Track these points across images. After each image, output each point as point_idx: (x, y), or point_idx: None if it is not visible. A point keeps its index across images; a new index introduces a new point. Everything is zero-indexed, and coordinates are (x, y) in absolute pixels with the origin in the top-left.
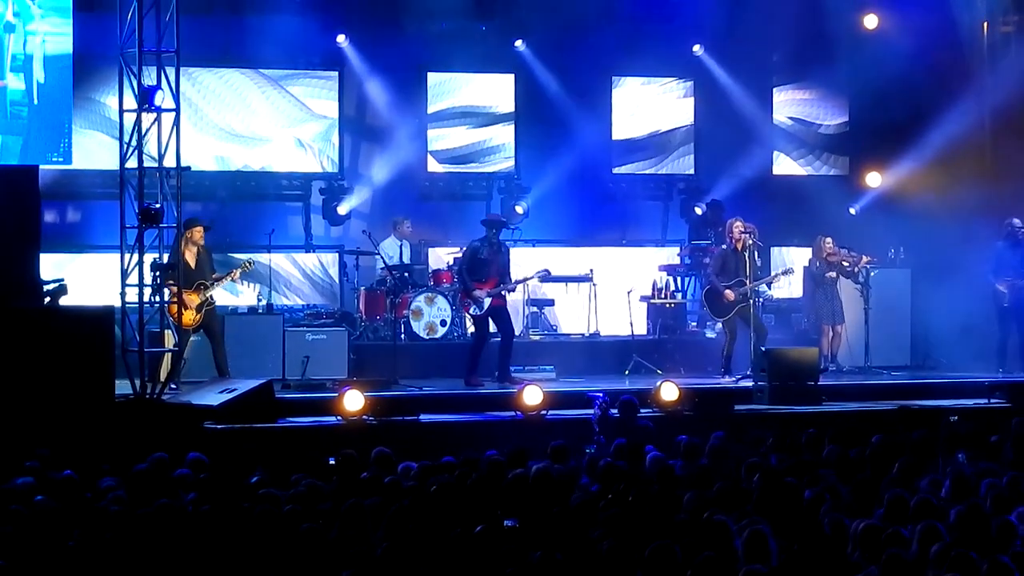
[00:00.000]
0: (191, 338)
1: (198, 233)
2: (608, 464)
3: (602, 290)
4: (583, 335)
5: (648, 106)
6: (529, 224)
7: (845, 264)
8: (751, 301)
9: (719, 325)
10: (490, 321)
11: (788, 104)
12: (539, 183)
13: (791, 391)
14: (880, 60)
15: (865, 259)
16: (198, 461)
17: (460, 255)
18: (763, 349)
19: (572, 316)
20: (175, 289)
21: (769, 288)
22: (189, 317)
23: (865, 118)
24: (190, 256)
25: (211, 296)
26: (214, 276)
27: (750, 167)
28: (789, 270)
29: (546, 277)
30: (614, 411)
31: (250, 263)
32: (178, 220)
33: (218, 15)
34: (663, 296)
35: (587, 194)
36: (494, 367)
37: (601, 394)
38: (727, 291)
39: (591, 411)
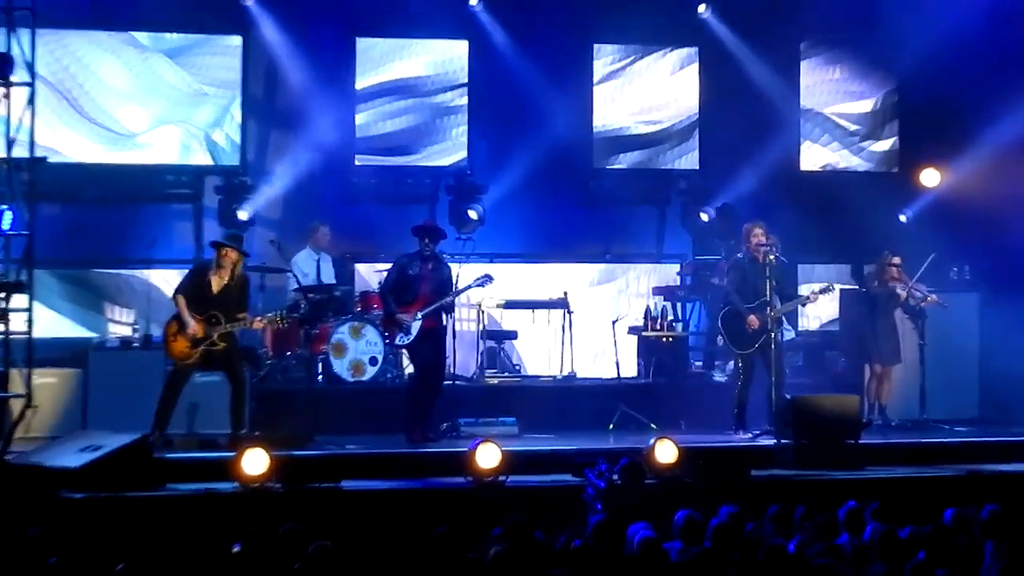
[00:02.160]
0: (196, 376)
1: (233, 255)
2: (581, 548)
3: (580, 319)
4: (554, 378)
5: (640, 83)
6: (485, 234)
7: (907, 297)
8: (773, 333)
9: (731, 364)
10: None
11: (820, 80)
12: (499, 181)
13: (825, 452)
14: (938, 22)
15: (933, 299)
16: (44, 538)
17: None
18: (788, 397)
19: (540, 353)
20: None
21: (803, 306)
22: (180, 348)
23: (919, 99)
24: (216, 280)
25: (215, 334)
26: (238, 316)
27: (771, 162)
28: (828, 288)
29: (485, 282)
30: (615, 477)
31: (282, 318)
32: (30, 224)
33: None
34: (658, 327)
35: (561, 196)
36: (451, 414)
37: (600, 460)
38: (751, 316)
39: (575, 479)
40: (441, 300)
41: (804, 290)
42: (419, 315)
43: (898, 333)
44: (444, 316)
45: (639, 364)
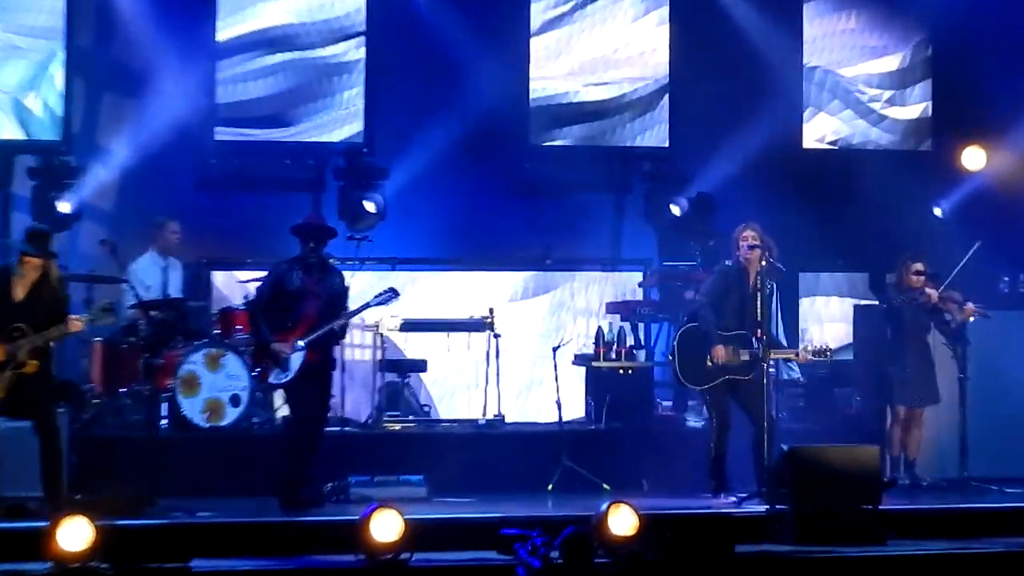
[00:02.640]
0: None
1: (34, 262)
2: None
3: (510, 345)
4: (475, 423)
5: (591, 33)
6: (386, 232)
7: (937, 306)
8: (765, 370)
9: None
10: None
11: (828, 32)
12: (405, 163)
13: (833, 521)
14: None
15: (971, 309)
16: None
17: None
18: (783, 448)
19: (457, 390)
20: None
21: (813, 355)
22: None
23: (958, 53)
24: (20, 286)
25: (20, 352)
26: (71, 320)
27: (764, 138)
28: (824, 352)
29: (389, 298)
30: (555, 554)
31: (108, 308)
32: None
33: None
34: (613, 356)
35: (487, 182)
36: (339, 471)
37: (535, 532)
38: (718, 347)
39: (501, 556)
40: (330, 324)
41: (805, 306)
42: (302, 344)
43: (932, 362)
44: (333, 344)
45: (588, 404)
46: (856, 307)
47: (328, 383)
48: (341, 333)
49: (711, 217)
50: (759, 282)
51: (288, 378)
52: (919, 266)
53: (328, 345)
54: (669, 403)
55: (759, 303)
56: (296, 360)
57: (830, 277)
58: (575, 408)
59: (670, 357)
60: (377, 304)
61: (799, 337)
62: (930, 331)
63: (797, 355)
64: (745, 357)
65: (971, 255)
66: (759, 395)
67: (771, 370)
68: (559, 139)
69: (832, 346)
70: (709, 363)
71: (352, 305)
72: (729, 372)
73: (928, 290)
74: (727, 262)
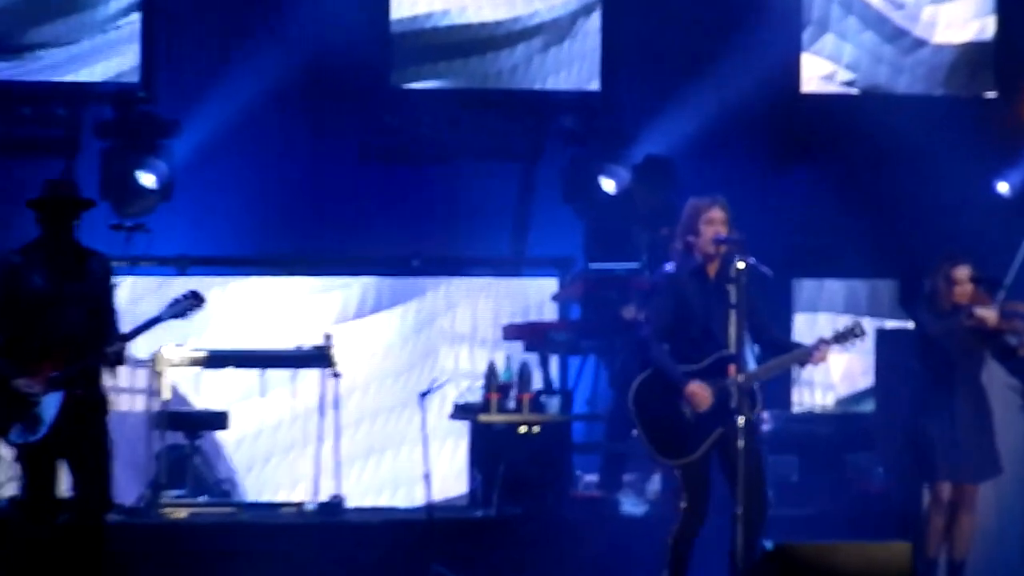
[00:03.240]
0: None
1: None
2: None
3: (356, 388)
4: (301, 507)
5: None
6: (173, 220)
7: (1005, 333)
8: (744, 417)
9: (656, 480)
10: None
11: None
12: (202, 115)
13: None
14: None
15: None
16: None
17: None
18: (767, 545)
19: (275, 457)
20: None
21: (801, 365)
22: None
23: None
24: None
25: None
26: None
27: (742, 76)
28: (854, 331)
29: (189, 309)
30: None
31: None
32: None
33: None
34: (513, 406)
35: (327, 146)
36: None
37: None
38: (693, 386)
39: None
40: (105, 346)
41: (803, 327)
42: (58, 378)
43: (988, 414)
44: (105, 375)
45: (472, 479)
46: (880, 332)
47: (105, 439)
48: (115, 359)
49: (664, 193)
50: (729, 290)
51: (36, 438)
52: (964, 272)
53: (97, 379)
54: (594, 477)
55: (732, 320)
56: (48, 407)
57: (841, 287)
58: (453, 484)
59: (634, 432)
60: (172, 316)
61: (791, 382)
62: (984, 367)
63: (818, 348)
64: (720, 387)
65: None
66: (749, 461)
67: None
68: (433, 80)
69: (841, 391)
70: (689, 414)
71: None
72: (718, 423)
73: (980, 310)
74: (668, 266)
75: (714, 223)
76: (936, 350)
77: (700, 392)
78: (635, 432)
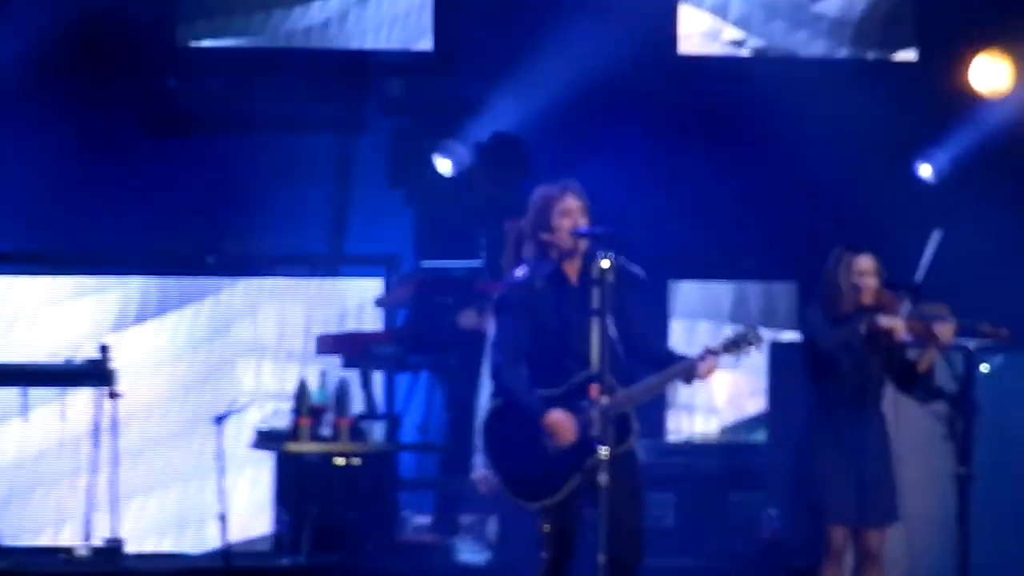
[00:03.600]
0: None
1: None
2: None
3: (136, 411)
4: (70, 553)
5: None
6: None
7: (918, 343)
8: (613, 450)
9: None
10: None
11: None
12: None
13: None
14: None
15: (945, 330)
16: None
17: None
18: None
19: (40, 493)
20: None
21: (687, 382)
22: None
23: None
24: None
25: None
26: None
27: (606, 38)
28: (747, 338)
29: None
30: None
31: None
32: None
33: None
34: (327, 434)
35: (96, 114)
36: None
37: None
38: (554, 416)
39: None
40: None
41: (680, 336)
42: None
43: (886, 447)
44: None
45: (278, 521)
46: (774, 346)
47: None
48: None
49: (511, 178)
50: (592, 295)
51: None
52: (868, 263)
53: None
54: (427, 519)
55: (595, 332)
56: None
57: (727, 291)
58: (255, 526)
59: (486, 472)
60: None
61: (665, 406)
62: (883, 386)
63: (703, 361)
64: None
65: (935, 247)
66: (625, 499)
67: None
68: (227, 38)
69: (727, 417)
70: (552, 449)
71: None
72: (585, 455)
73: (885, 319)
74: (518, 273)
75: (570, 214)
76: (827, 365)
77: (562, 422)
78: (485, 473)
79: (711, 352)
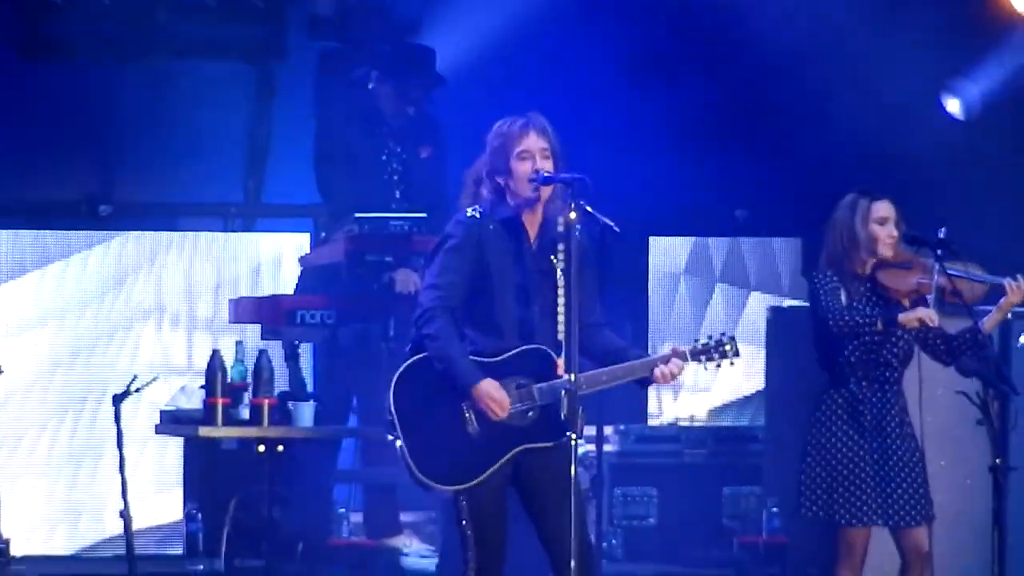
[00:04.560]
0: None
1: None
2: None
3: (16, 388)
4: None
5: None
6: None
7: (934, 296)
8: (571, 437)
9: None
10: None
11: None
12: None
13: None
14: None
15: (1017, 288)
16: None
17: None
18: None
19: None
20: None
21: (674, 378)
22: None
23: None
24: None
25: None
26: None
27: None
28: (724, 346)
29: None
30: None
31: None
32: None
33: None
34: (245, 417)
35: None
36: None
37: None
38: (486, 386)
39: None
40: None
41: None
42: None
43: (910, 432)
44: None
45: (190, 518)
46: (773, 311)
47: None
48: None
49: (417, 89)
50: (560, 252)
51: None
52: (887, 209)
53: None
54: (359, 517)
55: (560, 293)
56: None
57: (721, 247)
58: (161, 527)
59: (390, 436)
60: None
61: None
62: (909, 363)
63: (654, 372)
64: (537, 402)
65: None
66: (566, 495)
67: (581, 440)
68: None
69: (718, 397)
70: (471, 426)
71: None
72: (515, 442)
73: (905, 316)
74: (472, 210)
75: (530, 156)
76: (834, 337)
77: (495, 396)
78: (389, 437)
79: (678, 355)
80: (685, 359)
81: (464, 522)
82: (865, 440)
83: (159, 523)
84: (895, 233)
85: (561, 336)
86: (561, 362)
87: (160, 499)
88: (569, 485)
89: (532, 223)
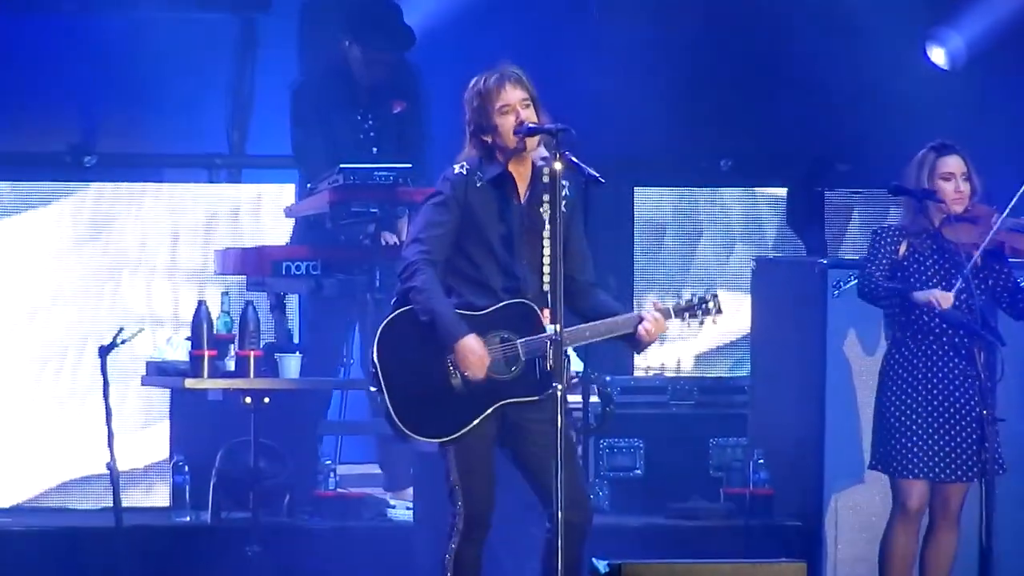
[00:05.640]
0: None
1: None
2: None
3: None
4: None
5: None
6: None
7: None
8: (560, 393)
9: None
10: None
11: None
12: None
13: None
14: None
15: None
16: None
17: None
18: (600, 568)
19: None
20: None
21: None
22: None
23: None
24: None
25: None
26: None
27: None
28: (706, 303)
29: None
30: None
31: None
32: None
33: None
34: (231, 369)
35: None
36: None
37: None
38: (468, 341)
39: None
40: None
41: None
42: None
43: (968, 385)
44: None
45: (177, 471)
46: (758, 262)
47: None
48: None
49: (387, 49)
50: (547, 204)
51: None
52: (957, 163)
53: None
54: (357, 468)
55: (545, 245)
56: None
57: (700, 197)
58: (147, 479)
59: (372, 388)
60: None
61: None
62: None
63: (638, 330)
64: (521, 355)
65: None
66: (553, 448)
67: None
68: None
69: (703, 346)
70: (454, 379)
71: None
72: (499, 396)
73: (922, 294)
74: (460, 166)
75: (511, 109)
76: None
77: (475, 351)
78: (371, 389)
79: (660, 311)
80: (668, 316)
81: (451, 476)
82: (911, 396)
83: (144, 463)
84: (962, 188)
85: (547, 287)
86: (547, 313)
87: (145, 435)
88: (554, 442)
89: (521, 177)
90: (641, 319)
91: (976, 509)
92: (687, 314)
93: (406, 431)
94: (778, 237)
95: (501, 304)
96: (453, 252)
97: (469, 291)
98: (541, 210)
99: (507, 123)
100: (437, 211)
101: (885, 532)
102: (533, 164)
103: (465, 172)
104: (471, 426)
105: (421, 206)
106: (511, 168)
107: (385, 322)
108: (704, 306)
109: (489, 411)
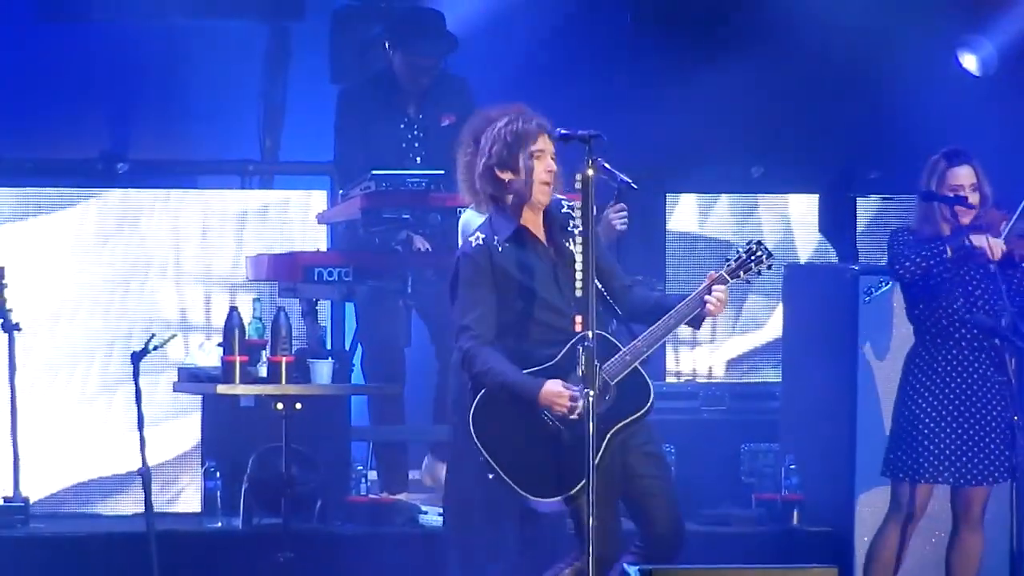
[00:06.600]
0: None
1: None
2: None
3: (37, 345)
4: None
5: None
6: None
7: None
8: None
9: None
10: None
11: None
12: None
13: None
14: None
15: None
16: None
17: None
18: (631, 573)
19: None
20: None
21: (696, 327)
22: None
23: None
24: None
25: None
26: None
27: None
28: (754, 251)
29: None
30: None
31: None
32: None
33: None
34: (264, 374)
35: None
36: None
37: None
38: (550, 387)
39: None
40: None
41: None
42: None
43: (995, 388)
44: None
45: (208, 476)
46: (789, 268)
47: None
48: None
49: (430, 55)
50: (569, 233)
51: None
52: (963, 175)
53: None
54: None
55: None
56: None
57: (731, 203)
58: (179, 484)
59: (491, 476)
60: None
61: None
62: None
63: (705, 304)
64: (609, 381)
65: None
66: (650, 459)
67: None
68: None
69: (735, 350)
70: (559, 428)
71: None
72: (607, 426)
73: (978, 237)
74: (475, 238)
75: (543, 155)
76: (911, 301)
77: (560, 392)
78: (490, 476)
79: (721, 279)
80: (725, 282)
81: (579, 523)
82: (926, 399)
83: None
84: (972, 199)
85: (579, 293)
86: (579, 319)
87: (175, 426)
88: (655, 450)
89: (536, 224)
90: (703, 297)
91: (1005, 513)
92: (741, 271)
93: (534, 498)
94: (809, 244)
95: (567, 346)
96: (503, 316)
97: (533, 345)
98: (567, 243)
99: (540, 168)
100: (471, 293)
101: (879, 531)
102: (545, 213)
103: (483, 242)
104: (594, 466)
105: (451, 287)
106: (524, 217)
107: (472, 410)
108: (754, 257)
109: (604, 444)
